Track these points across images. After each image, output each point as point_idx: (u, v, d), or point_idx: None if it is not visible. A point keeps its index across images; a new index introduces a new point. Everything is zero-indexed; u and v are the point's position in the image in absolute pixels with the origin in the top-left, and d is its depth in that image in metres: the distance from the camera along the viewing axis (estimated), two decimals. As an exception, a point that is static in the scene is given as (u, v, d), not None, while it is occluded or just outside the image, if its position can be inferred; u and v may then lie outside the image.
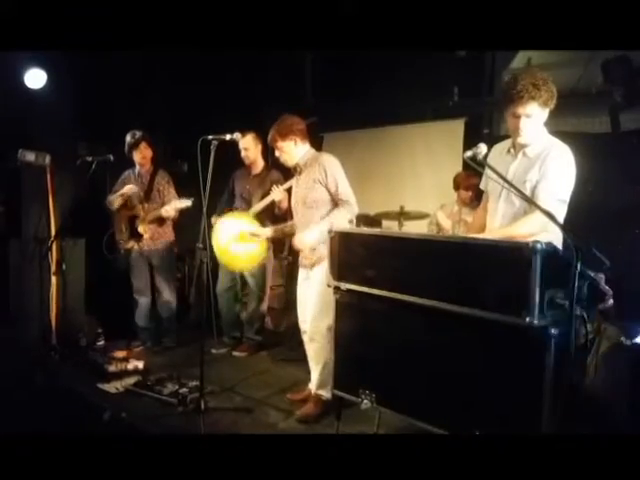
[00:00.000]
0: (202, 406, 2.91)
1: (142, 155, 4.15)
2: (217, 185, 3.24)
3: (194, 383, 3.23)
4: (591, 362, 2.39)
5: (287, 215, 3.62)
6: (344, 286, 2.38)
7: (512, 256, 1.78)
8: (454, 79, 4.64)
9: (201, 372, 2.96)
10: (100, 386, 3.41)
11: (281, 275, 4.87)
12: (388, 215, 4.20)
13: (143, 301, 4.29)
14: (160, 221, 4.16)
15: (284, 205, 3.81)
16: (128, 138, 4.14)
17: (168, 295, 4.31)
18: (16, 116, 4.27)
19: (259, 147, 4.12)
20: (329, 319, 2.64)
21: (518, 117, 2.22)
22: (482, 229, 2.51)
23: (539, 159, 2.26)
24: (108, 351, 3.99)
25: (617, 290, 1.95)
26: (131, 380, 3.47)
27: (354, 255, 2.33)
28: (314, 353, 3.07)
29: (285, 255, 4.64)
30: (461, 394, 1.97)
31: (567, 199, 2.27)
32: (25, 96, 4.35)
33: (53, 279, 3.92)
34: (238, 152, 4.04)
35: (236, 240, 3.50)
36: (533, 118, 2.22)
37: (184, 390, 3.21)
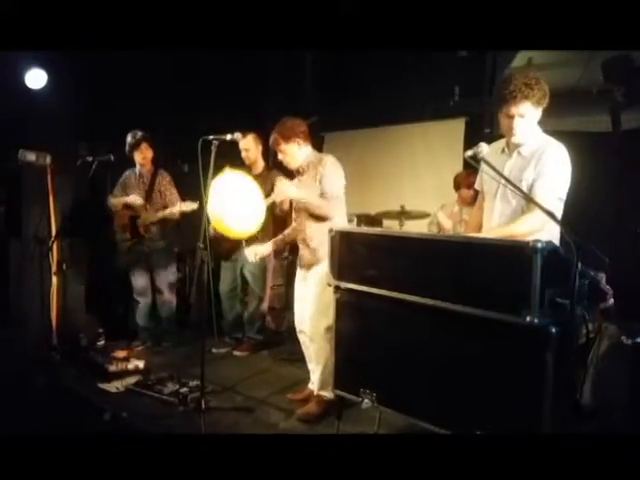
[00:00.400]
0: (203, 406, 2.90)
1: (143, 155, 4.16)
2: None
3: (195, 383, 3.24)
4: (591, 361, 2.39)
5: (288, 216, 3.61)
6: (344, 285, 2.38)
7: (513, 255, 1.78)
8: (455, 79, 4.65)
9: (202, 372, 2.96)
10: (101, 386, 3.41)
11: (281, 275, 4.87)
12: (389, 214, 4.21)
13: (143, 301, 4.30)
14: (162, 222, 4.16)
15: (286, 206, 3.81)
16: (129, 138, 4.14)
17: (168, 295, 4.32)
18: (17, 116, 4.28)
19: (259, 147, 4.12)
20: (328, 320, 2.65)
21: (512, 117, 2.24)
22: (479, 228, 2.53)
23: (534, 158, 2.26)
24: (109, 351, 3.99)
25: (618, 289, 1.94)
26: (132, 380, 3.47)
27: (354, 254, 2.33)
28: (314, 354, 3.07)
29: (285, 255, 4.65)
30: (461, 393, 1.97)
31: (564, 197, 2.27)
32: (26, 96, 4.36)
33: (54, 279, 3.92)
34: (238, 152, 4.04)
35: (236, 201, 2.95)
36: (527, 117, 2.23)
37: (185, 390, 3.21)
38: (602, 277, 1.90)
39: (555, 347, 1.74)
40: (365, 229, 2.60)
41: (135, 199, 4.10)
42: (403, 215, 3.99)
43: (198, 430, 2.75)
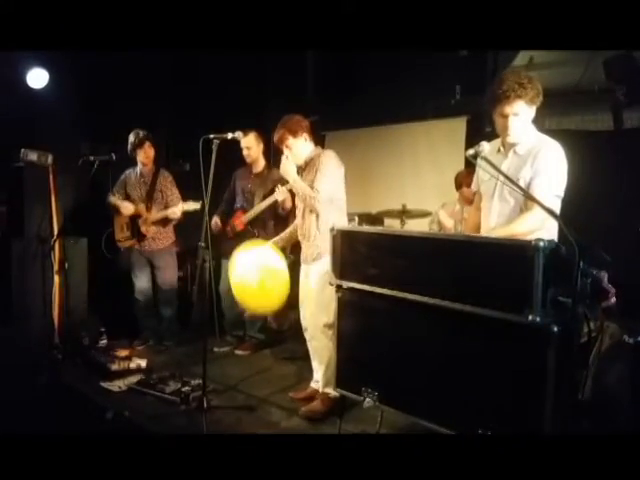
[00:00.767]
0: (205, 404, 2.91)
1: (146, 155, 4.16)
2: (219, 184, 3.24)
3: (197, 381, 3.24)
4: (593, 360, 2.39)
5: (290, 215, 3.61)
6: (346, 284, 2.38)
7: (515, 254, 1.78)
8: (456, 77, 4.64)
9: (204, 370, 2.96)
10: (103, 385, 3.42)
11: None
12: (390, 213, 4.20)
13: (144, 300, 4.30)
14: (163, 221, 4.17)
15: (288, 205, 3.81)
16: (132, 138, 4.14)
17: (169, 295, 4.32)
18: (18, 116, 4.28)
19: (261, 146, 4.13)
20: (327, 316, 2.65)
21: (506, 116, 2.25)
22: (477, 229, 2.54)
23: (530, 156, 2.27)
24: (111, 350, 4.00)
25: (619, 288, 1.94)
26: (134, 379, 3.48)
27: (356, 253, 2.33)
28: (316, 352, 3.07)
29: (287, 254, 4.64)
30: (463, 392, 1.97)
31: (562, 194, 2.28)
32: (27, 96, 4.36)
33: (56, 278, 3.93)
34: (240, 151, 4.04)
35: (259, 274, 3.01)
36: (521, 116, 2.24)
37: (187, 388, 3.21)
38: (604, 276, 1.90)
39: (557, 346, 1.74)
40: (366, 228, 2.59)
41: (127, 208, 4.13)
42: (404, 214, 3.98)
43: (200, 429, 2.76)
